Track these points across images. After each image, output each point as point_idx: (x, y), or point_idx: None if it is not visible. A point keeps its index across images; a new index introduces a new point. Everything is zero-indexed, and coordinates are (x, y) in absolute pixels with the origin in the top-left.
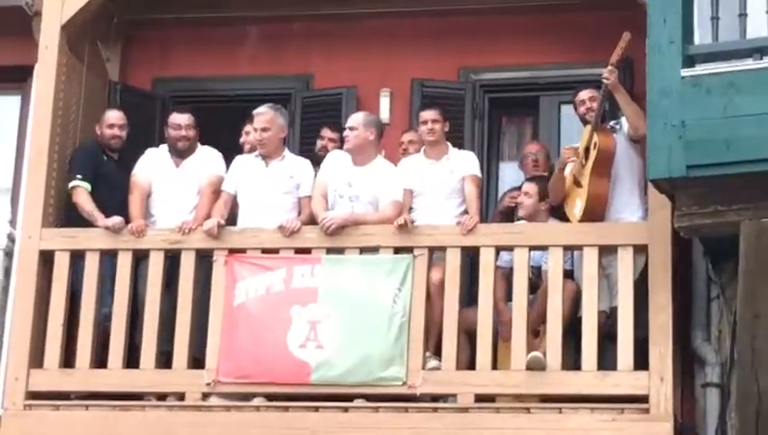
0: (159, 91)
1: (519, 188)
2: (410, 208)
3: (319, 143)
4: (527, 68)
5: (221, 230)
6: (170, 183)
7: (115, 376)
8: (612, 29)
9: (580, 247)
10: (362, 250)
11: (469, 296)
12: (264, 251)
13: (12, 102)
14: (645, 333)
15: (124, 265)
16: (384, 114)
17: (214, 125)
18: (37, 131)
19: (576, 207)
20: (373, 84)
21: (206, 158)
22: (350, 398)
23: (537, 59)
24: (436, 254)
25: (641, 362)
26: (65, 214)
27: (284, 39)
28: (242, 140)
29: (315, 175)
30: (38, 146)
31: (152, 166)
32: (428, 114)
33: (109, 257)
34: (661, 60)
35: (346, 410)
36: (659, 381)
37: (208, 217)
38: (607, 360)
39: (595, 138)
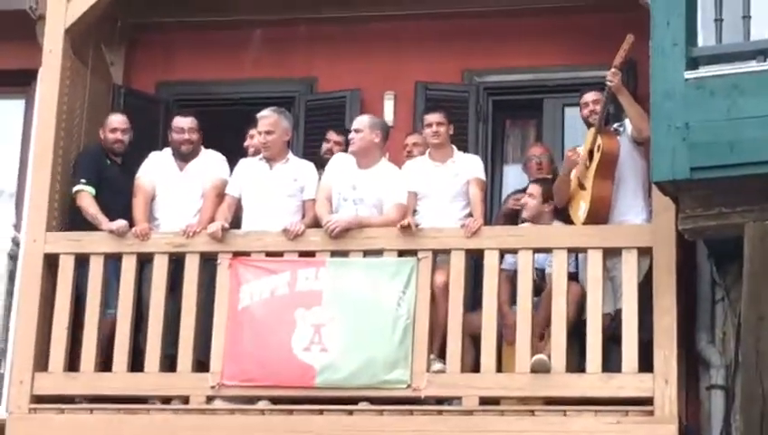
0: (163, 94)
1: (523, 191)
2: (414, 211)
3: (324, 146)
4: (531, 70)
5: (225, 233)
6: (174, 187)
7: (120, 379)
8: (616, 31)
9: (584, 250)
10: (366, 253)
11: (473, 299)
12: (269, 254)
13: (16, 106)
14: (649, 336)
15: (128, 268)
16: (388, 117)
17: (218, 128)
18: (41, 135)
19: (580, 209)
20: (377, 87)
21: (210, 161)
22: (354, 401)
23: (541, 61)
24: (440, 257)
25: (646, 364)
26: (70, 217)
27: (288, 42)
28: (246, 143)
29: (319, 178)
30: (42, 150)
31: (156, 169)
32: (433, 117)
33: (113, 261)
34: (665, 62)
35: (350, 413)
36: (664, 384)
37: (212, 220)
38: (611, 362)
39: (599, 140)
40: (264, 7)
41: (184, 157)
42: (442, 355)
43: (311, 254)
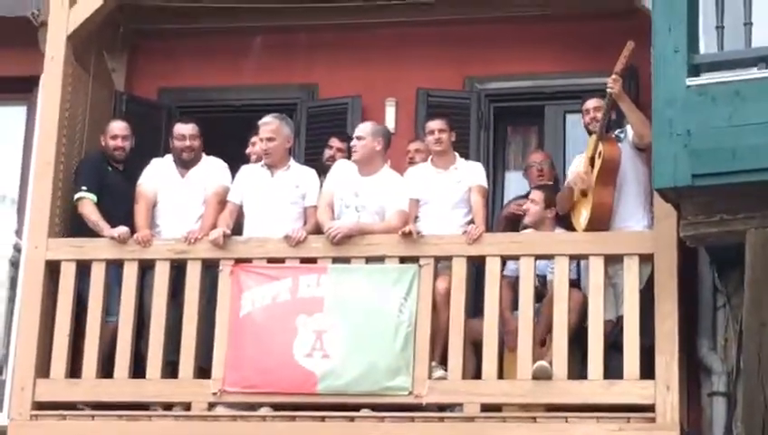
0: (165, 101)
1: (524, 197)
2: (416, 218)
3: (327, 152)
4: (532, 77)
5: (227, 240)
6: (176, 193)
7: (121, 386)
8: (617, 38)
9: (585, 257)
10: (368, 260)
11: (475, 306)
12: (270, 261)
13: (18, 113)
14: (651, 342)
15: (130, 274)
16: (389, 124)
17: (219, 135)
18: (43, 142)
19: (581, 216)
20: (378, 94)
21: (212, 168)
22: (356, 407)
23: (542, 68)
24: (441, 263)
25: (647, 371)
26: (72, 224)
27: (290, 49)
28: (248, 150)
29: (321, 184)
30: (44, 156)
31: (158, 176)
32: (435, 124)
33: (115, 267)
34: (666, 69)
35: (352, 419)
36: (665, 391)
37: (214, 227)
38: (613, 369)
39: (600, 147)
40: (265, 14)
41: (185, 163)
42: (443, 362)
43: (312, 260)
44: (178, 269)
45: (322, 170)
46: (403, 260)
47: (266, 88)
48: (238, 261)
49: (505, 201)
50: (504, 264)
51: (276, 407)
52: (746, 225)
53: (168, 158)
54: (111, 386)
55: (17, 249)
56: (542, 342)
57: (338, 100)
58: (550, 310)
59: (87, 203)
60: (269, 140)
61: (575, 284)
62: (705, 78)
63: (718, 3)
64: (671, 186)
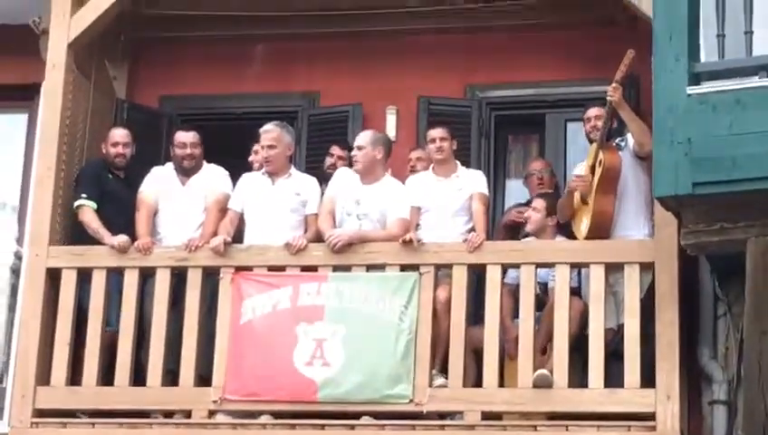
0: (166, 108)
1: (523, 205)
2: (417, 226)
3: (328, 160)
4: (533, 86)
5: (227, 248)
6: (176, 201)
7: (122, 394)
8: (618, 46)
9: (586, 265)
10: (369, 268)
11: (476, 314)
12: (271, 269)
13: (19, 121)
14: (652, 351)
15: (131, 282)
16: (390, 132)
17: (220, 143)
18: (44, 149)
19: (582, 224)
20: (379, 102)
21: (212, 175)
22: (356, 416)
23: (543, 77)
24: (442, 271)
25: (648, 379)
26: (73, 232)
27: (291, 57)
28: (251, 158)
29: (322, 192)
30: (45, 164)
31: (158, 184)
32: (436, 132)
33: (114, 275)
34: (667, 77)
35: (353, 427)
36: (666, 399)
37: (215, 234)
38: (614, 377)
39: (600, 155)
40: (266, 22)
41: (186, 171)
42: (444, 370)
43: (313, 268)
44: (179, 277)
45: (323, 178)
46: (404, 268)
47: (267, 96)
48: (239, 269)
49: (506, 209)
50: (504, 272)
51: (276, 415)
52: (747, 233)
53: (169, 165)
54: (112, 394)
55: (18, 257)
56: (543, 350)
57: (339, 108)
58: (550, 318)
59: (87, 211)
60: (270, 147)
61: (576, 292)
62: (706, 86)
63: (719, 11)
64: (672, 194)
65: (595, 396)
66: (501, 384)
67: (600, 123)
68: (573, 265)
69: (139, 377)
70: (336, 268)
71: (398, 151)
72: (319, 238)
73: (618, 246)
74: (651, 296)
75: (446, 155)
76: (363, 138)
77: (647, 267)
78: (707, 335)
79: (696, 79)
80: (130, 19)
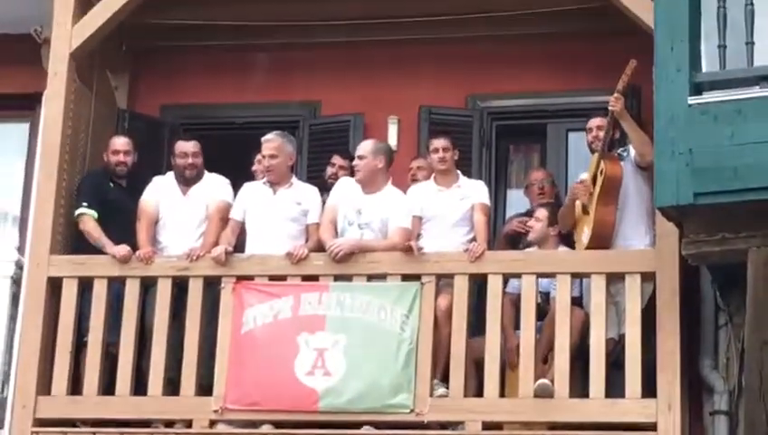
0: (168, 118)
1: (524, 214)
2: (419, 235)
3: (329, 170)
4: (534, 95)
5: (229, 257)
6: (178, 210)
7: (123, 403)
8: (620, 56)
9: (587, 275)
10: (370, 277)
11: (477, 324)
12: (272, 278)
13: (21, 130)
14: (653, 361)
15: (132, 292)
16: (392, 141)
17: (222, 152)
18: (45, 159)
19: (583, 234)
20: (381, 111)
21: (213, 184)
22: (357, 425)
23: (544, 86)
24: (443, 281)
25: (649, 389)
26: (74, 241)
27: (292, 66)
28: (254, 167)
29: (323, 202)
30: (47, 173)
31: (159, 193)
32: (440, 142)
33: (114, 285)
34: (668, 87)
35: None
36: (667, 409)
37: (216, 243)
38: (615, 387)
39: (602, 165)
40: (268, 32)
41: (187, 181)
42: (445, 380)
43: (314, 278)
44: (180, 287)
45: (325, 188)
46: (405, 278)
47: (269, 105)
48: (240, 278)
49: (507, 219)
50: (506, 281)
51: (277, 425)
52: (748, 243)
53: (170, 175)
54: (113, 403)
55: (19, 266)
56: (544, 359)
57: (340, 117)
58: (551, 328)
59: (88, 219)
60: (271, 157)
61: (577, 302)
62: (707, 97)
63: (720, 22)
64: (673, 204)
65: (596, 406)
66: (502, 394)
67: (602, 133)
68: (574, 275)
69: (140, 386)
70: (337, 278)
71: (399, 161)
72: (320, 248)
73: (619, 256)
74: (652, 306)
75: (448, 165)
76: (365, 147)
77: (648, 277)
78: (708, 345)
79: (697, 89)
80: (132, 29)
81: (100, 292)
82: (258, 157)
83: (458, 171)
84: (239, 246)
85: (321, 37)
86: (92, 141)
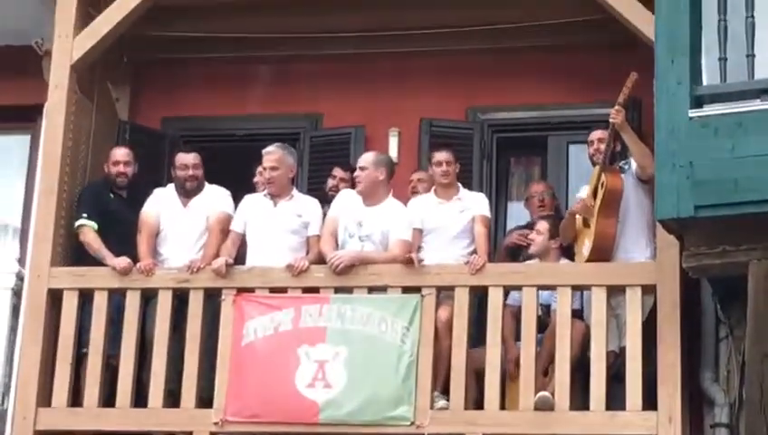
0: (168, 130)
1: (525, 227)
2: (419, 248)
3: (330, 182)
4: (535, 108)
5: (229, 269)
6: (178, 222)
7: (123, 415)
8: (620, 69)
9: (588, 287)
10: (371, 289)
11: (478, 335)
12: (273, 290)
13: (22, 142)
14: (653, 374)
15: (133, 304)
16: (393, 153)
17: (223, 164)
18: (46, 171)
19: (584, 246)
20: (382, 124)
21: (214, 196)
22: None
23: (545, 99)
24: (444, 293)
25: (650, 402)
26: (75, 253)
27: (293, 79)
28: (256, 179)
29: (324, 214)
30: (47, 185)
31: (160, 205)
32: (443, 156)
33: (117, 296)
34: (669, 100)
35: None
36: (668, 422)
37: (216, 255)
38: (616, 400)
39: (603, 178)
40: (269, 44)
41: (187, 193)
42: (446, 392)
43: (315, 290)
44: (180, 299)
45: (325, 200)
46: (406, 290)
47: (270, 117)
48: (240, 290)
49: (507, 232)
50: (506, 294)
51: None
52: (749, 256)
53: (171, 187)
54: (113, 415)
55: (20, 278)
56: (545, 372)
57: (341, 129)
58: (552, 340)
59: (88, 231)
60: (273, 169)
61: (578, 314)
62: (708, 110)
63: (721, 35)
64: (674, 217)
65: (597, 418)
66: (502, 407)
67: (602, 146)
68: (575, 288)
69: (140, 398)
70: (338, 290)
71: (399, 173)
72: (321, 260)
73: (620, 268)
74: (653, 319)
75: (451, 179)
76: (366, 158)
77: (648, 290)
78: (709, 358)
79: (697, 102)
80: (133, 41)
81: (100, 304)
82: (259, 169)
83: (459, 184)
84: (240, 258)
85: (321, 50)
86: (93, 153)
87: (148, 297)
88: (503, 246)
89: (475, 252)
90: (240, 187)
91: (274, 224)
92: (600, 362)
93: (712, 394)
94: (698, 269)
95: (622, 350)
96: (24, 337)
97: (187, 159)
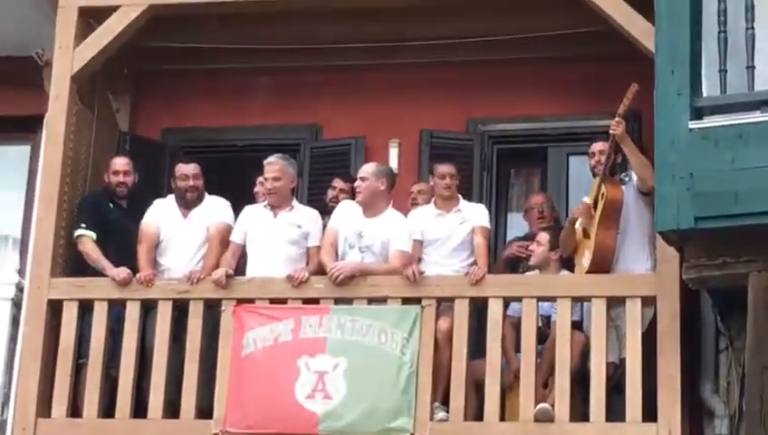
0: (169, 141)
1: (524, 238)
2: (420, 259)
3: (330, 193)
4: (535, 119)
5: (229, 280)
6: (178, 233)
7: (122, 426)
8: (621, 81)
9: (588, 299)
10: (371, 301)
11: (478, 346)
12: (273, 301)
13: (22, 152)
14: (653, 385)
15: (132, 314)
16: (393, 164)
17: (222, 175)
18: (46, 181)
19: (584, 257)
20: (382, 135)
21: (214, 207)
22: None
23: (545, 110)
24: (444, 304)
25: (650, 413)
26: (74, 263)
27: (294, 89)
28: (256, 189)
29: (324, 224)
30: (47, 196)
31: (160, 216)
32: (447, 169)
33: (117, 306)
34: (669, 112)
35: None
36: (668, 434)
37: (216, 266)
38: (615, 411)
39: (603, 189)
40: (269, 55)
41: (188, 203)
42: (446, 403)
43: (315, 301)
44: (180, 309)
45: (325, 211)
46: (405, 301)
47: (270, 128)
48: (240, 301)
49: (507, 243)
50: (506, 305)
51: None
52: (749, 268)
53: (171, 198)
54: (113, 426)
55: (20, 288)
56: (545, 383)
57: (342, 140)
58: (552, 352)
59: (87, 241)
60: (275, 179)
61: (578, 325)
62: (708, 121)
63: (721, 46)
64: (674, 228)
65: (597, 430)
66: (502, 418)
67: (603, 158)
68: (575, 299)
69: (139, 409)
70: (338, 301)
71: (399, 184)
72: (321, 271)
73: (619, 280)
74: (653, 330)
75: (452, 192)
76: (367, 169)
77: (648, 301)
78: (709, 370)
79: (697, 113)
80: (133, 52)
81: (100, 314)
82: (260, 179)
83: (459, 195)
84: (240, 269)
85: (322, 61)
86: (93, 164)
87: (148, 308)
88: (502, 257)
89: (474, 263)
90: (240, 197)
91: (274, 235)
92: (600, 373)
93: (712, 406)
94: (698, 281)
95: (622, 361)
96: (23, 348)
97: (187, 170)
